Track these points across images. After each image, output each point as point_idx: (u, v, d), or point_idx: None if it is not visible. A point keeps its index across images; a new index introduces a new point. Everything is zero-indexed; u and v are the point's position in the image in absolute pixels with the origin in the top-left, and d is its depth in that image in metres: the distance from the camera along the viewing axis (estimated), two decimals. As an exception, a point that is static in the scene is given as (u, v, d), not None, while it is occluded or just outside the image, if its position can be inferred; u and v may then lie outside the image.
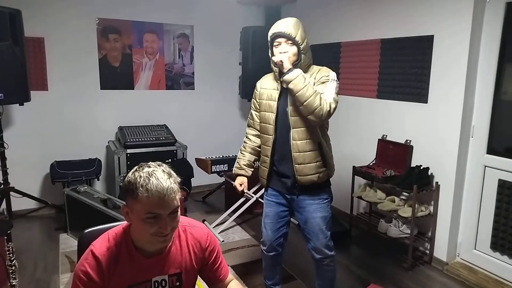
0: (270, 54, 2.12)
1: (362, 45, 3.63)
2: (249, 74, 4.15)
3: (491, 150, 2.82)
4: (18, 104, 3.40)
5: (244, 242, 3.45)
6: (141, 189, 1.14)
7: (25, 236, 3.49)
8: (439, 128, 2.99)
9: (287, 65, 1.98)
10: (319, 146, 2.10)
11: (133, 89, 4.33)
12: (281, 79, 2.04)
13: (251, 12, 4.75)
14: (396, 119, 3.36)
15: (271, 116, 2.14)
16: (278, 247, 2.33)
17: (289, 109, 2.07)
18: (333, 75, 2.07)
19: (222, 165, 3.71)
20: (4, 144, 3.60)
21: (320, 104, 1.94)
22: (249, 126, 2.37)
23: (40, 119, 3.93)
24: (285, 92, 2.10)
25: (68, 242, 3.32)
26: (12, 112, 3.81)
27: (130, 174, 1.20)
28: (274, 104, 2.13)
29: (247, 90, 4.28)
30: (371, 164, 3.47)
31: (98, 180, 3.97)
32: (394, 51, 3.31)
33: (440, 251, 3.06)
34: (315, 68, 2.13)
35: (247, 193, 3.71)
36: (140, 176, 1.16)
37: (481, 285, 2.77)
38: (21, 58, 3.27)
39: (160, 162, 1.24)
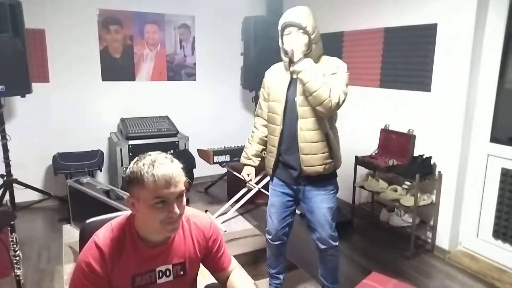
0: (280, 44, 2.10)
1: (365, 34, 3.60)
2: (251, 65, 4.14)
3: (494, 139, 2.81)
4: (19, 96, 3.40)
5: (246, 232, 3.47)
6: (146, 175, 1.15)
7: (29, 227, 3.52)
8: (442, 117, 2.98)
9: (298, 55, 1.97)
10: (326, 137, 2.09)
11: (135, 80, 4.32)
12: (291, 69, 2.03)
13: (252, 2, 4.70)
14: (399, 108, 3.34)
15: (280, 106, 2.12)
16: (283, 236, 2.34)
17: (298, 99, 2.06)
18: (344, 66, 2.06)
19: (224, 156, 3.71)
20: (7, 136, 3.61)
21: (329, 96, 1.93)
22: (257, 116, 2.35)
23: (42, 111, 3.93)
24: (295, 82, 2.08)
25: (71, 233, 3.34)
26: (14, 104, 3.81)
27: (131, 165, 1.21)
28: (283, 94, 2.11)
29: (249, 81, 4.26)
30: (374, 154, 3.46)
31: (101, 171, 3.98)
32: (397, 40, 3.28)
33: (442, 240, 3.07)
34: (326, 58, 2.11)
35: (249, 183, 3.73)
36: (144, 164, 1.17)
37: (483, 273, 2.78)
38: (22, 50, 3.26)
39: (159, 151, 1.25)
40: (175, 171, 1.18)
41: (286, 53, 2.05)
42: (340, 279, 2.43)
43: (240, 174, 3.73)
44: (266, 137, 2.29)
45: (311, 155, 2.08)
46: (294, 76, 2.04)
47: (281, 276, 2.49)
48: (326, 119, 2.07)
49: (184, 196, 1.23)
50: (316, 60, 2.05)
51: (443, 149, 2.99)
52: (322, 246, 2.23)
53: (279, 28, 2.07)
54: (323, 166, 2.11)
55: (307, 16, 2.00)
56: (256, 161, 2.35)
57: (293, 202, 2.29)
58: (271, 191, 2.33)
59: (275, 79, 2.18)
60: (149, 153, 1.23)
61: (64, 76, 3.97)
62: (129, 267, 1.25)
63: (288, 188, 2.24)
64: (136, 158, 1.23)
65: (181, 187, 1.20)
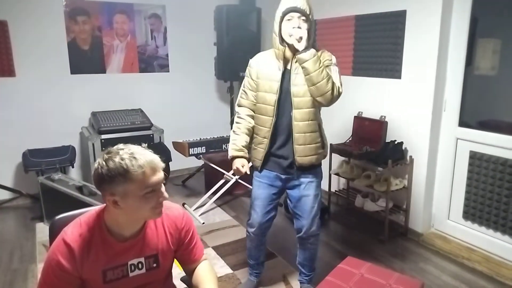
0: (276, 30, 2.01)
1: (337, 22, 3.61)
2: (224, 54, 4.10)
3: (462, 123, 2.89)
4: (-17, 92, 3.27)
5: (224, 223, 3.47)
6: (133, 167, 1.13)
7: (0, 227, 3.41)
8: (413, 103, 3.04)
9: (304, 43, 1.93)
10: (319, 128, 2.11)
11: (105, 72, 4.21)
12: (295, 56, 1.98)
13: (224, -9, 4.65)
14: (371, 95, 3.38)
15: (273, 97, 2.05)
16: (266, 229, 2.33)
17: (292, 89, 2.02)
18: (334, 59, 2.07)
19: (200, 148, 3.68)
20: (-29, 133, 3.47)
21: (332, 88, 1.95)
22: (241, 106, 2.20)
23: (9, 106, 3.78)
24: (288, 72, 2.05)
25: (45, 231, 3.25)
26: (-23, 100, 3.66)
27: (103, 164, 1.14)
28: (276, 84, 2.04)
29: (223, 71, 4.23)
30: (348, 141, 3.51)
31: (73, 167, 3.88)
32: (368, 28, 3.31)
33: (416, 223, 3.16)
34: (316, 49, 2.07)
35: (226, 174, 3.72)
36: (122, 159, 1.13)
37: (454, 253, 2.88)
38: (-17, 43, 3.12)
39: (123, 144, 1.21)
40: (155, 157, 1.19)
41: (282, 40, 1.99)
42: (317, 268, 2.46)
43: (216, 165, 3.75)
44: (252, 127, 2.18)
45: (305, 145, 2.08)
46: (290, 67, 2.01)
47: (261, 266, 2.51)
48: (318, 109, 2.09)
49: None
50: None
51: (414, 135, 3.06)
52: (305, 234, 2.25)
53: (279, 13, 1.97)
54: (316, 156, 2.13)
55: (309, 3, 1.96)
56: (247, 153, 2.18)
57: (278, 195, 2.26)
58: (257, 183, 2.26)
59: (266, 68, 2.08)
60: (119, 147, 1.18)
61: (31, 70, 3.82)
62: (99, 262, 1.23)
63: (276, 179, 2.19)
64: (105, 156, 1.17)
65: (162, 172, 1.21)
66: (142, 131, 3.92)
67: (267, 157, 2.17)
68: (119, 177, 1.13)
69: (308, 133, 2.07)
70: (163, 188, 1.22)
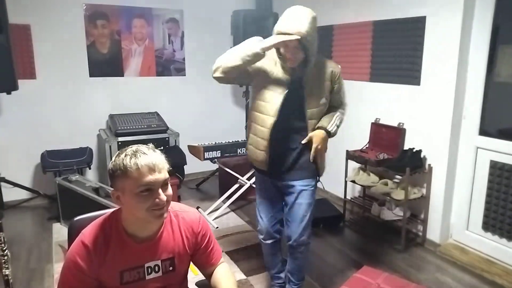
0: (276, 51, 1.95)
1: (354, 28, 3.59)
2: (240, 59, 4.10)
3: (483, 132, 2.83)
4: (5, 94, 3.33)
5: (238, 228, 3.46)
6: (130, 164, 1.15)
7: (18, 226, 3.47)
8: (432, 110, 2.99)
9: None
10: None
11: (123, 76, 4.27)
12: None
13: (241, -4, 4.67)
14: (389, 102, 3.34)
15: (277, 96, 1.96)
16: (276, 233, 2.29)
17: (307, 100, 2.00)
18: (340, 71, 2.09)
19: (215, 152, 3.68)
20: (-7, 134, 3.55)
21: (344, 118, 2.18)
22: None
23: (29, 108, 3.86)
24: (299, 83, 1.98)
25: (61, 231, 3.30)
26: (-1, 101, 3.74)
27: (113, 158, 1.21)
28: (282, 85, 1.97)
29: (238, 76, 4.23)
30: (364, 148, 3.47)
31: (90, 169, 3.93)
32: (386, 33, 3.28)
33: (433, 233, 3.09)
34: (320, 63, 2.02)
35: (241, 179, 3.72)
36: (126, 155, 1.18)
37: (472, 265, 2.80)
38: (7, 46, 3.18)
39: (140, 144, 1.25)
40: (157, 159, 1.19)
41: (280, 54, 1.94)
42: (305, 277, 2.40)
43: (230, 170, 3.75)
44: None
45: (322, 153, 2.11)
46: (301, 78, 1.99)
47: (282, 275, 2.42)
48: None
49: (169, 184, 1.23)
50: (312, 69, 1.98)
51: (433, 142, 3.01)
52: (294, 243, 2.17)
53: (275, 33, 1.86)
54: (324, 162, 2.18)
55: (311, 24, 1.82)
56: None
57: (280, 196, 2.22)
58: (259, 188, 2.26)
59: (272, 66, 1.99)
60: (130, 146, 1.23)
61: (51, 73, 3.90)
62: (117, 263, 1.24)
63: (272, 184, 2.18)
64: (118, 152, 1.23)
65: (165, 174, 1.20)
66: (158, 134, 3.96)
67: (268, 160, 2.07)
68: (118, 172, 1.17)
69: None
70: (162, 191, 1.19)
